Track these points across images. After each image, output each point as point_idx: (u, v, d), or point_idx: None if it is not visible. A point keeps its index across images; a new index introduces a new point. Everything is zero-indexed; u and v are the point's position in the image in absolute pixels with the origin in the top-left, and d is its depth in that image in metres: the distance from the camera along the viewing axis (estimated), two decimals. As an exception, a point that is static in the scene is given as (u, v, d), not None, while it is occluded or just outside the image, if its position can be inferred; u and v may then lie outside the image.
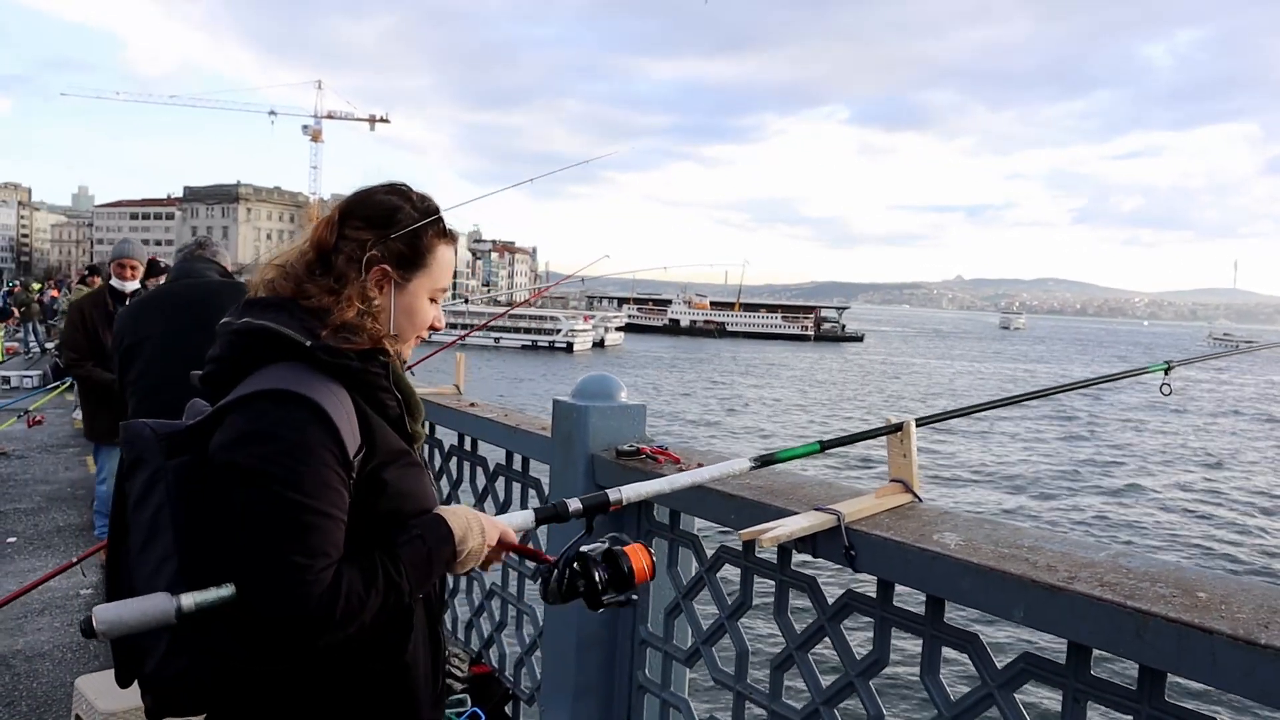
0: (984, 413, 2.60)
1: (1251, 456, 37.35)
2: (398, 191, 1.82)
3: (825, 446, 2.24)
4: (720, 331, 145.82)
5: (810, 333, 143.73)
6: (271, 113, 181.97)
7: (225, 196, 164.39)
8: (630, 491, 2.02)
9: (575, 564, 1.83)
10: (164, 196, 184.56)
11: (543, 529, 2.41)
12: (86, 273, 14.90)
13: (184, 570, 1.53)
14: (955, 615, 2.02)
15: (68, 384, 13.19)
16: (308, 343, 1.63)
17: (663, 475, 2.59)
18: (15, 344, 21.97)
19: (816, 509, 2.08)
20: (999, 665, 1.85)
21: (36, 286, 32.18)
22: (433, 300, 1.84)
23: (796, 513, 2.15)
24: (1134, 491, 27.85)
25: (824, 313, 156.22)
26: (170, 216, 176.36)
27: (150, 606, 1.46)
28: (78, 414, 12.92)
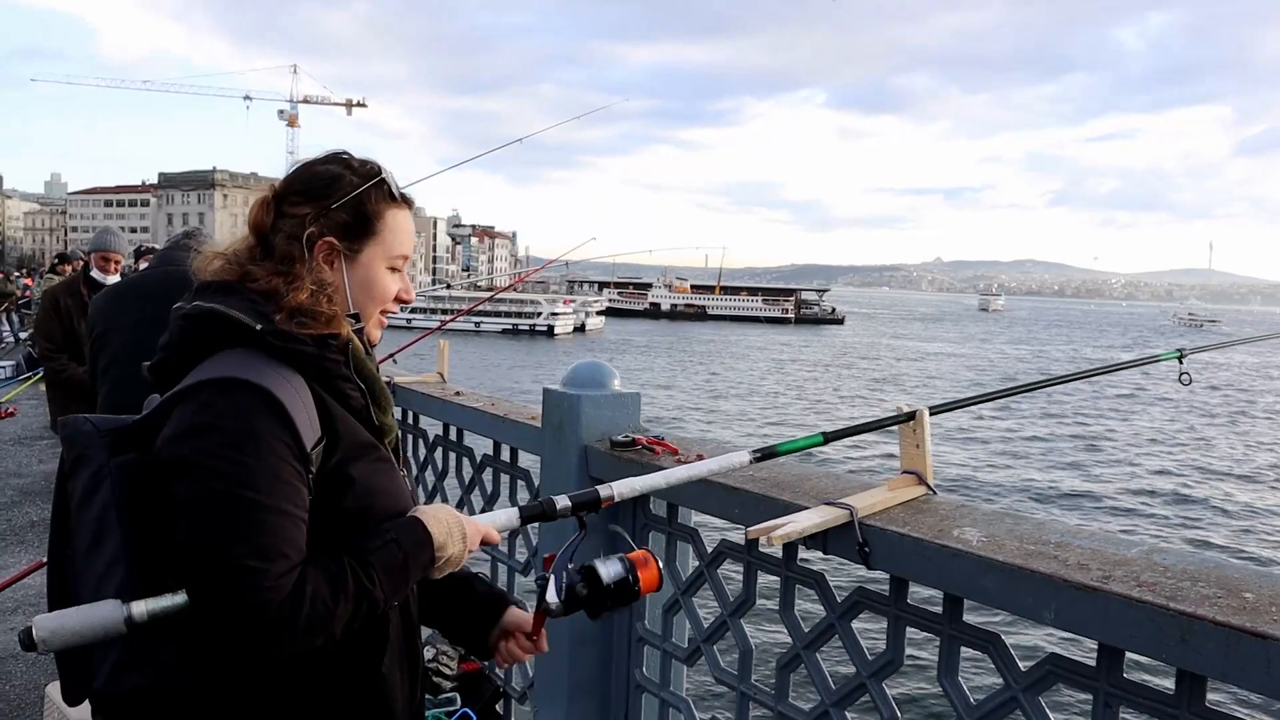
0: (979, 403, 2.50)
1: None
2: (337, 160, 1.68)
3: (829, 438, 2.13)
4: (701, 315, 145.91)
5: (791, 315, 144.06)
6: (247, 98, 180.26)
7: (201, 183, 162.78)
8: (623, 487, 1.90)
9: (581, 579, 1.70)
10: (139, 183, 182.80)
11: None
12: (57, 261, 14.61)
13: (134, 576, 1.39)
14: (969, 615, 1.92)
15: (40, 374, 12.95)
16: (258, 326, 1.50)
17: (660, 468, 2.48)
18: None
19: (828, 503, 1.97)
20: (1023, 667, 1.75)
21: (16, 275, 31.71)
22: (394, 270, 1.70)
23: (804, 507, 2.04)
24: (1132, 479, 27.89)
25: (804, 295, 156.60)
26: (145, 204, 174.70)
27: (97, 615, 1.33)
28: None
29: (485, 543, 1.69)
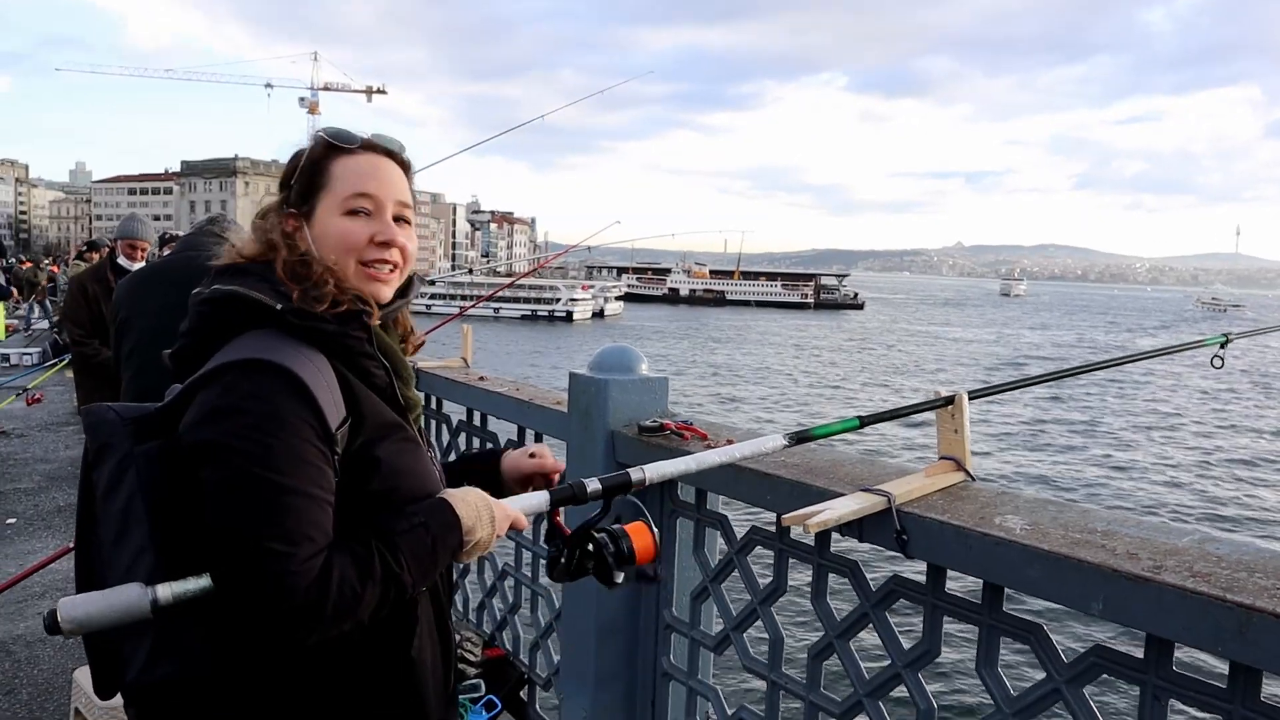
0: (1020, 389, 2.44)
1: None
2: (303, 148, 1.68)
3: (865, 422, 2.07)
4: (720, 300, 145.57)
5: (810, 300, 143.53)
6: (268, 85, 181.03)
7: (223, 170, 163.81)
8: (654, 471, 1.85)
9: (585, 543, 1.69)
10: (162, 171, 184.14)
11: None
12: (84, 248, 14.70)
13: (161, 564, 1.37)
14: (1008, 605, 1.87)
15: (66, 361, 13.05)
16: (278, 305, 1.47)
17: (690, 453, 2.44)
18: (15, 321, 21.78)
19: (864, 490, 1.92)
20: (1066, 659, 1.70)
21: (44, 263, 31.97)
22: (353, 213, 1.61)
23: (839, 493, 1.99)
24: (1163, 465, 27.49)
25: (824, 280, 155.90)
26: (169, 191, 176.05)
27: (122, 599, 1.30)
28: (78, 390, 12.81)
29: (514, 528, 1.65)
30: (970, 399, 2.00)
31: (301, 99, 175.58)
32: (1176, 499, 23.02)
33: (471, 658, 3.56)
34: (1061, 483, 24.40)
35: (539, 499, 1.71)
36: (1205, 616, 1.41)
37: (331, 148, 1.63)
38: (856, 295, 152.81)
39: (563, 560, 1.70)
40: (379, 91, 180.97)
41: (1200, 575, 1.47)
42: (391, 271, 1.65)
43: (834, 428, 2.07)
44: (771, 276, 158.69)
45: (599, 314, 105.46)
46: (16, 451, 9.43)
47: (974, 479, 1.99)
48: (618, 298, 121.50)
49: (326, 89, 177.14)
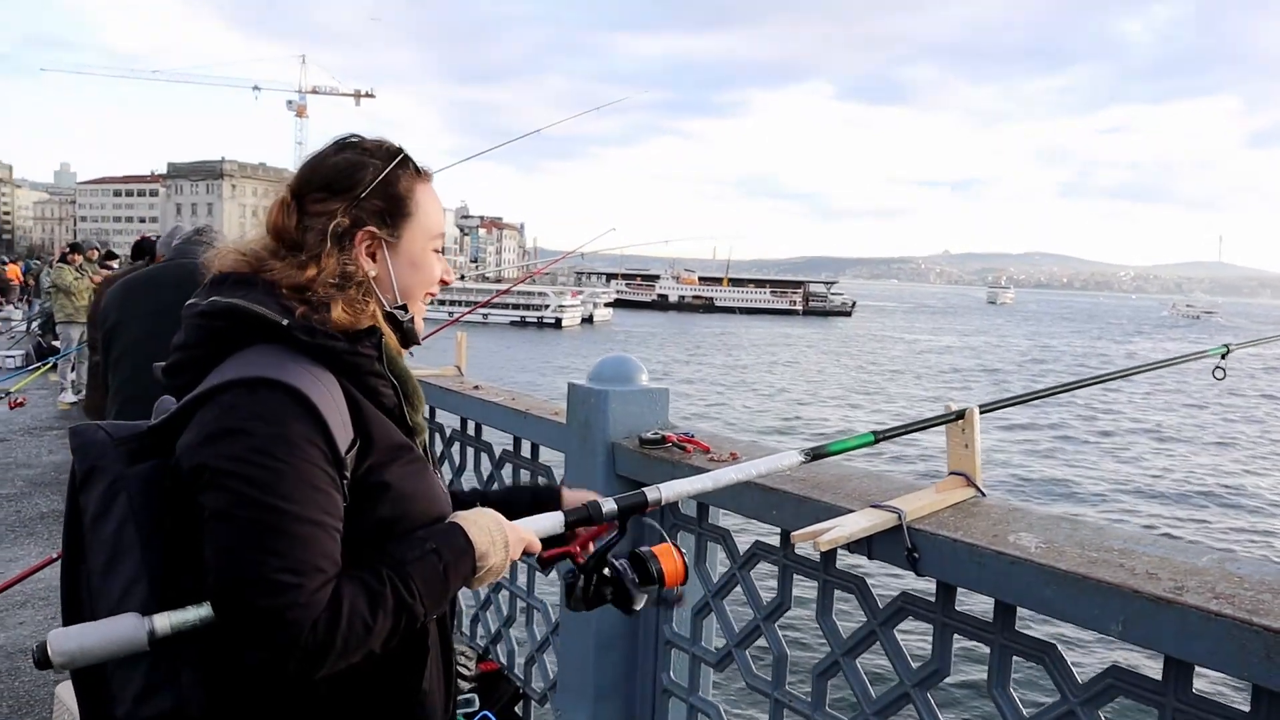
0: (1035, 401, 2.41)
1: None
2: (350, 146, 1.59)
3: (880, 437, 2.03)
4: (709, 307, 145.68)
5: (799, 308, 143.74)
6: (255, 88, 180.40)
7: (210, 173, 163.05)
8: (670, 490, 1.79)
9: (602, 569, 1.66)
10: (147, 173, 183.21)
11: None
12: (68, 250, 14.58)
13: (156, 594, 1.30)
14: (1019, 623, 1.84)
15: (50, 364, 12.94)
16: (284, 320, 1.40)
17: (693, 466, 2.40)
18: (-5, 324, 21.61)
19: (874, 506, 1.89)
20: (1081, 680, 1.67)
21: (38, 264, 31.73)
22: (436, 250, 1.63)
23: (847, 509, 1.95)
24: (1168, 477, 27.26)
25: (812, 288, 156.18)
26: (154, 194, 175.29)
27: (117, 630, 1.24)
28: (64, 395, 12.70)
29: (527, 552, 1.60)
30: (981, 413, 1.97)
31: (289, 102, 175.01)
32: (1188, 514, 22.90)
33: (466, 672, 3.51)
34: (1064, 493, 24.28)
35: (553, 520, 1.66)
36: (1231, 639, 1.38)
37: (416, 174, 1.61)
38: (854, 304, 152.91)
39: (580, 588, 1.66)
40: (367, 95, 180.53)
41: (1223, 597, 1.44)
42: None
43: (849, 444, 2.03)
44: (760, 283, 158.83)
45: (588, 320, 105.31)
46: (-1, 457, 9.33)
47: (984, 494, 1.96)
48: (607, 304, 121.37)
49: (315, 92, 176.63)
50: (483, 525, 1.49)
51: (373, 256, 1.55)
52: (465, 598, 3.83)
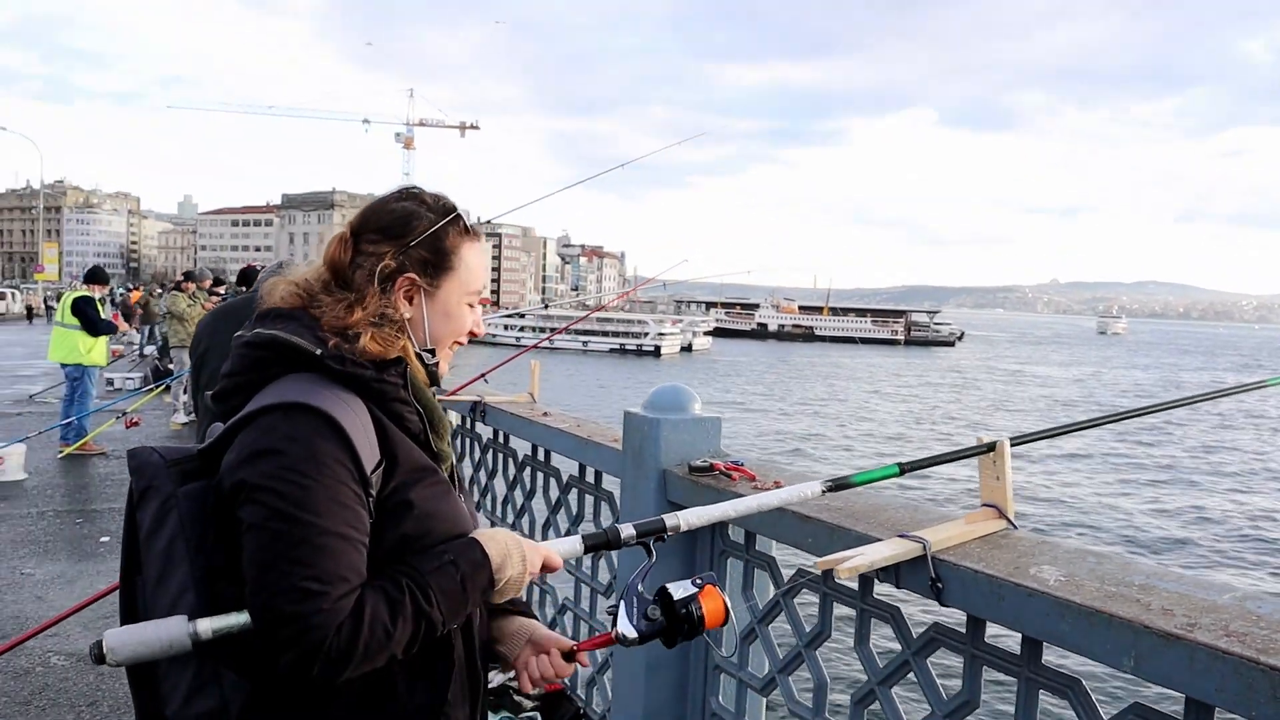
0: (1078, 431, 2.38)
1: None
2: (411, 196, 1.72)
3: (905, 469, 2.06)
4: (809, 336, 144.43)
5: (900, 337, 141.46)
6: (365, 121, 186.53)
7: (321, 203, 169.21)
8: (691, 516, 1.87)
9: (654, 606, 1.70)
10: (263, 204, 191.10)
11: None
12: (182, 279, 15.36)
13: (203, 605, 1.44)
14: (1050, 656, 1.83)
15: (164, 386, 13.61)
16: (317, 351, 1.53)
17: (736, 494, 2.45)
18: (120, 347, 22.79)
19: (901, 536, 1.91)
20: (1105, 716, 1.66)
21: (159, 291, 33.33)
22: (470, 305, 1.74)
23: (877, 538, 1.98)
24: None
25: (914, 317, 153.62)
26: (269, 223, 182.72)
27: (165, 631, 1.38)
28: (176, 416, 13.35)
29: (546, 568, 1.69)
30: (1012, 445, 1.98)
31: (397, 134, 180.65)
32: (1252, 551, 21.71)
33: (530, 691, 3.58)
34: (1113, 529, 23.25)
35: (572, 544, 1.76)
36: (1238, 678, 1.37)
37: (464, 233, 1.72)
38: (962, 334, 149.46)
39: (632, 630, 1.70)
40: (472, 127, 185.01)
41: (1235, 635, 1.42)
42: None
43: (874, 474, 2.07)
44: (861, 312, 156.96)
45: (687, 348, 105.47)
46: (114, 472, 9.84)
47: (1015, 526, 1.96)
48: (706, 332, 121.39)
49: (422, 124, 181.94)
50: (498, 540, 1.59)
51: (410, 300, 1.67)
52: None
